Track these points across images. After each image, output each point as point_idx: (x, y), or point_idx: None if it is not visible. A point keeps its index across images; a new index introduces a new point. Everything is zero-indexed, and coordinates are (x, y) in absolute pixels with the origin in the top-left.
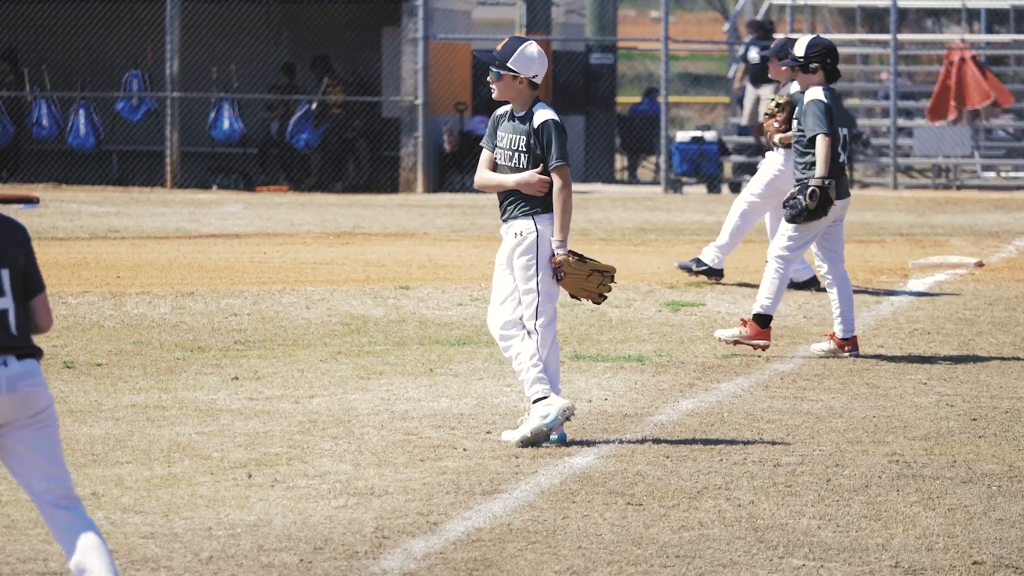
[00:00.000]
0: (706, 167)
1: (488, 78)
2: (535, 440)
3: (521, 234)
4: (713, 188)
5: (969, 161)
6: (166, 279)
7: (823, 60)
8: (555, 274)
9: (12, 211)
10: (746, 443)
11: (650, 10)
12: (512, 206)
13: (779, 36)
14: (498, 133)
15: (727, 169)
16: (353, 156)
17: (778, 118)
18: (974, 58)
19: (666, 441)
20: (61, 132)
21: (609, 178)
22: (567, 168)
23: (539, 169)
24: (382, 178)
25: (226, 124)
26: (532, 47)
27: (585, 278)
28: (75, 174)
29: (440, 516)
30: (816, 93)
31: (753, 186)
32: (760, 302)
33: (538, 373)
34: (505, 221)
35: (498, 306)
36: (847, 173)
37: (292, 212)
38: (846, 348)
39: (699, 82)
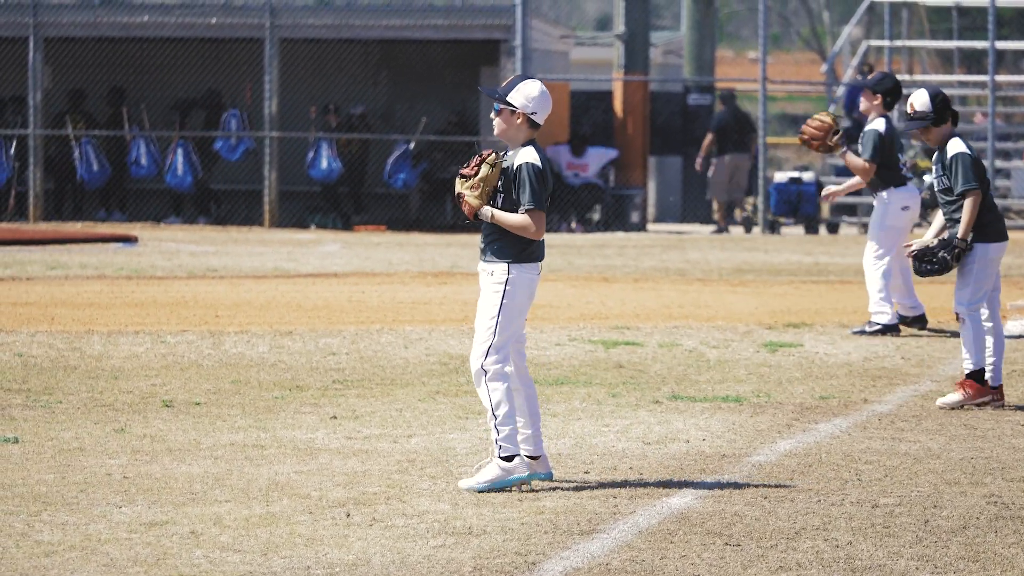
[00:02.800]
0: (804, 208)
1: (491, 114)
2: (494, 488)
3: (493, 274)
4: (811, 229)
5: None
6: (264, 318)
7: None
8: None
9: (110, 250)
10: (844, 484)
11: (748, 50)
12: (489, 246)
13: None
14: None
15: (825, 210)
16: (451, 196)
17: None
18: None
19: (764, 482)
20: (159, 171)
21: (707, 219)
22: (540, 214)
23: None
24: None
25: (324, 163)
26: (534, 85)
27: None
28: (173, 213)
29: (538, 556)
30: (958, 145)
31: (870, 236)
32: (967, 359)
33: (511, 429)
34: (483, 260)
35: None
36: None
37: (390, 252)
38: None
39: (797, 123)
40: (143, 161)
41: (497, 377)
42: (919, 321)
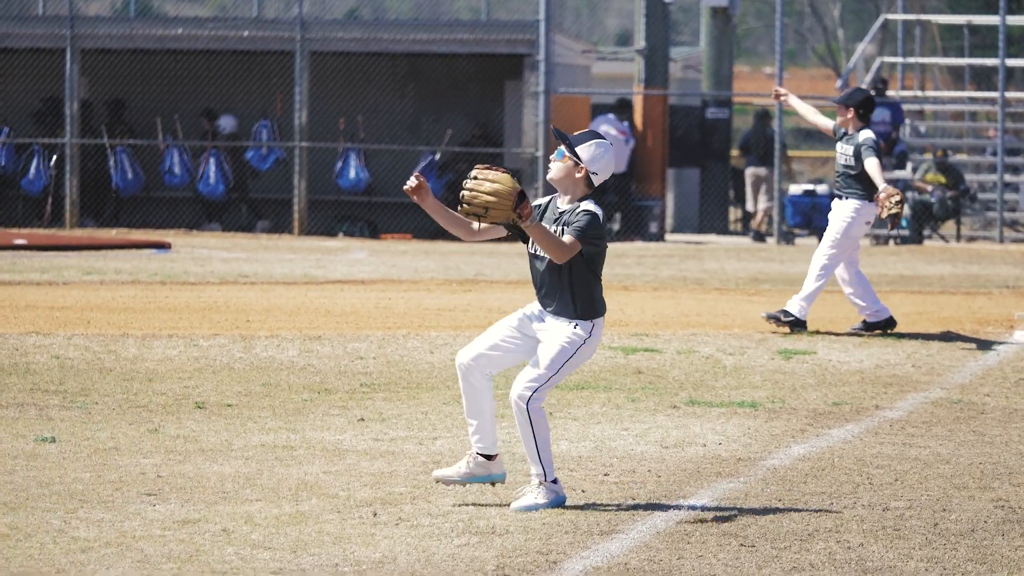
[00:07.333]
0: (818, 219)
1: (551, 156)
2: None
3: (577, 327)
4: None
5: None
6: (294, 323)
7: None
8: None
9: (144, 256)
10: (856, 488)
11: (764, 66)
12: (575, 302)
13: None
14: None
15: None
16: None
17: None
18: None
19: (778, 485)
20: (192, 180)
21: (723, 229)
22: (577, 245)
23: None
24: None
25: (352, 173)
26: (605, 146)
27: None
28: (206, 221)
29: (559, 555)
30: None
31: (829, 237)
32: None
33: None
34: (555, 314)
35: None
36: None
37: (416, 259)
38: None
39: (811, 137)
40: (176, 170)
41: (540, 411)
42: (889, 324)
